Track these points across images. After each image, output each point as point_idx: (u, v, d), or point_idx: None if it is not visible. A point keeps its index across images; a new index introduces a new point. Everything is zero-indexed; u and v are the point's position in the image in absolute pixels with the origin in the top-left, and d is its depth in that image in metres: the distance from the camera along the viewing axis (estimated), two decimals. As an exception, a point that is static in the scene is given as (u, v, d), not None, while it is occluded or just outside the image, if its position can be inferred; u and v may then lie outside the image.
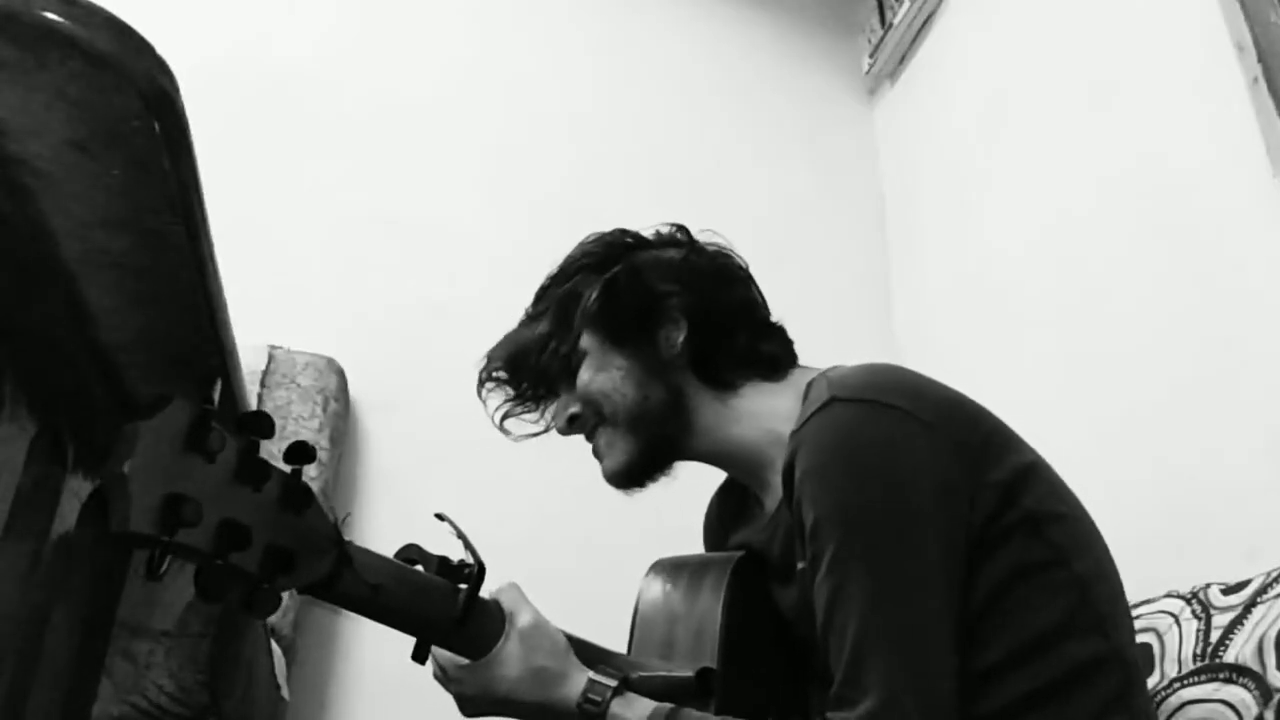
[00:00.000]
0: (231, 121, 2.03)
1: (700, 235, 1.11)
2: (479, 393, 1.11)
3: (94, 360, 0.81)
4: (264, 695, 1.43)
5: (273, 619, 1.61)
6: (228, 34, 2.22)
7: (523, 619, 0.88)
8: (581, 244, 1.10)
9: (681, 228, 1.11)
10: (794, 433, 0.89)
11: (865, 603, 0.81)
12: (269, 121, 2.19)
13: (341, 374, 1.99)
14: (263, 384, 1.85)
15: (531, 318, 1.10)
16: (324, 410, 1.89)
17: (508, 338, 1.10)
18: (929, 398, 0.91)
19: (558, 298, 1.07)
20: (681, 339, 1.03)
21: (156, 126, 0.60)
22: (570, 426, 1.07)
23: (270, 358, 1.90)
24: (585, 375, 1.04)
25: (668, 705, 0.84)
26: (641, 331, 1.03)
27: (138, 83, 0.58)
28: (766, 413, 1.00)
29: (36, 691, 0.80)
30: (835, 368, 0.99)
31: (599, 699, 0.84)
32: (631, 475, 1.05)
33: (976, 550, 0.84)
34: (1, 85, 0.57)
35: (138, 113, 0.59)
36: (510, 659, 0.86)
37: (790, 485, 0.88)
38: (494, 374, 1.10)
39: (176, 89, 0.61)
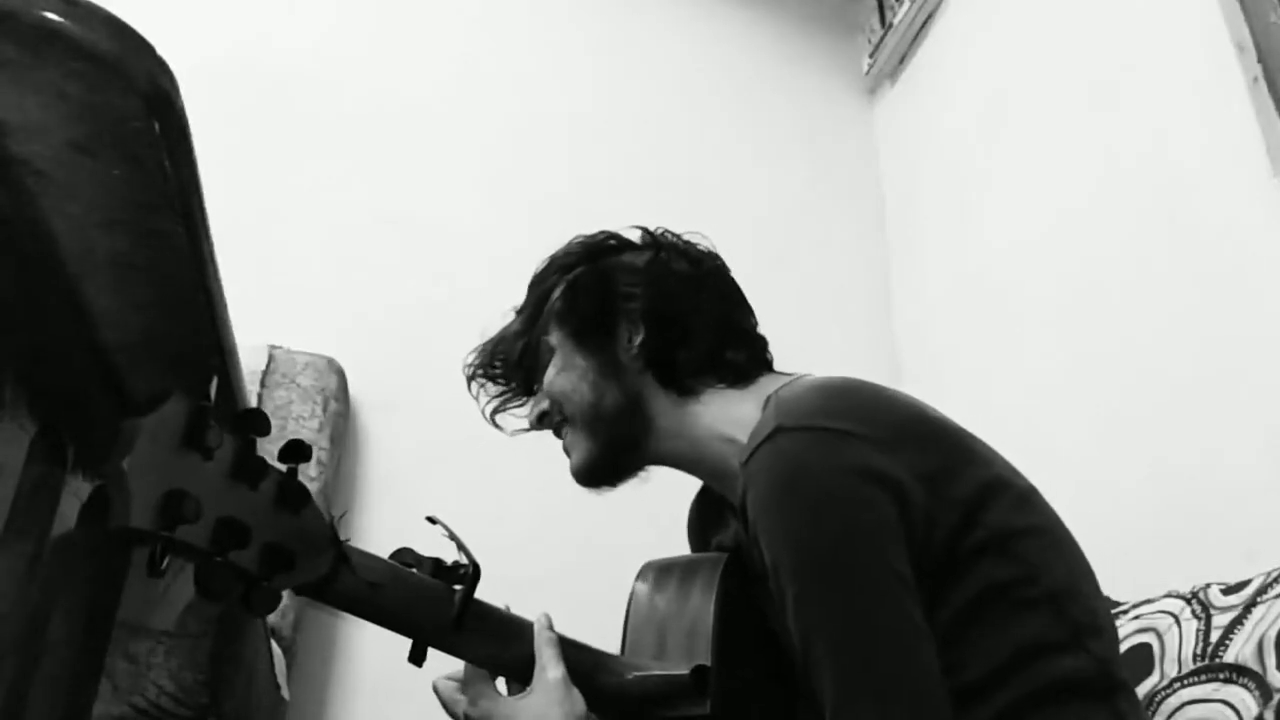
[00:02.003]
0: (232, 121, 2.03)
1: (693, 239, 1.11)
2: (469, 387, 1.13)
3: (94, 360, 0.81)
4: (264, 695, 1.43)
5: (273, 619, 1.61)
6: (228, 34, 2.22)
7: (551, 674, 0.87)
8: (567, 244, 1.12)
9: (649, 231, 1.11)
10: (743, 465, 0.87)
11: (836, 644, 0.80)
12: (269, 121, 2.19)
13: (341, 374, 1.99)
14: (263, 384, 1.85)
15: (516, 314, 1.12)
16: (324, 410, 1.89)
17: (493, 336, 1.13)
18: (882, 416, 0.88)
19: (535, 296, 1.10)
20: (639, 341, 1.02)
21: (156, 126, 0.60)
22: (540, 423, 1.07)
23: (270, 358, 1.90)
24: (550, 373, 1.05)
25: None
26: (601, 332, 1.04)
27: (138, 83, 0.58)
28: (726, 419, 0.99)
29: (36, 691, 0.80)
30: (792, 382, 0.97)
31: None
32: (595, 474, 1.05)
33: (944, 571, 0.83)
34: (1, 85, 0.57)
35: (138, 113, 0.59)
36: (524, 709, 0.86)
37: (746, 519, 0.87)
38: (478, 370, 1.13)
39: (176, 89, 0.61)
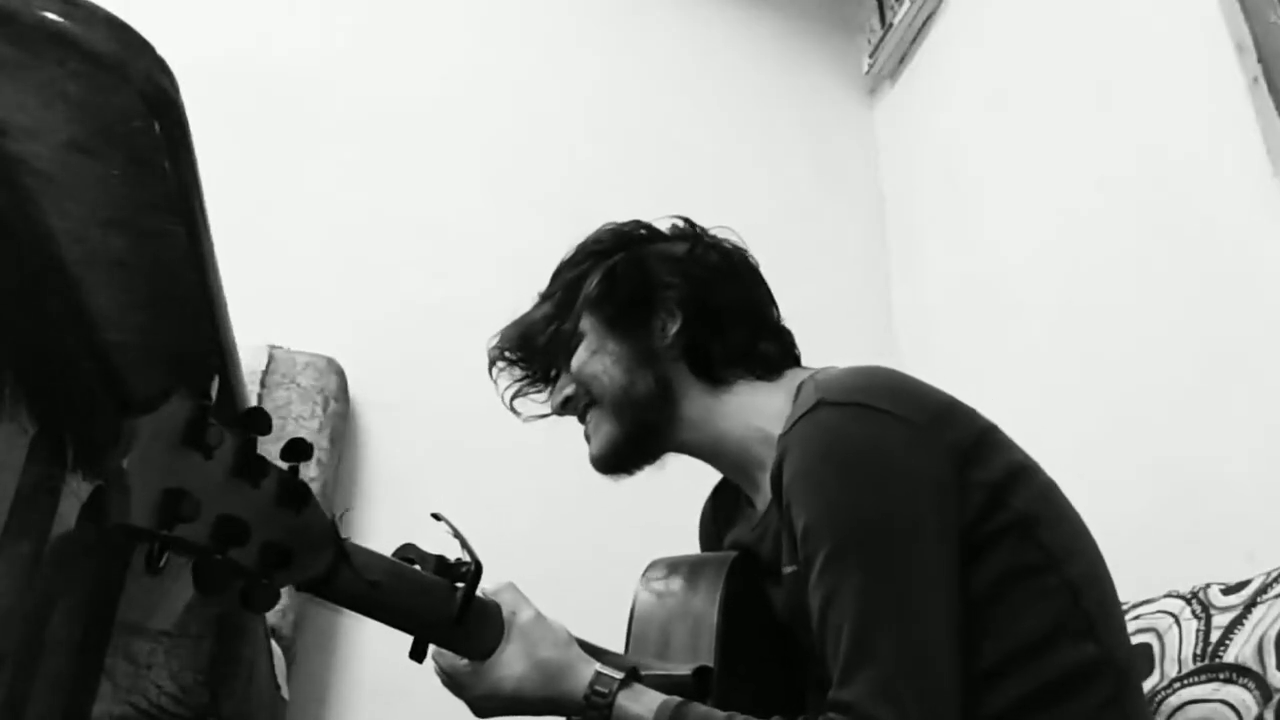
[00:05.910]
0: (232, 121, 2.03)
1: (717, 232, 1.12)
2: (490, 372, 1.13)
3: (94, 360, 0.81)
4: (264, 695, 1.43)
5: (273, 619, 1.61)
6: (228, 34, 2.22)
7: (523, 616, 0.88)
8: (596, 231, 1.12)
9: (689, 222, 1.12)
10: (782, 435, 0.89)
11: (858, 604, 0.80)
12: (269, 121, 2.19)
13: (341, 374, 1.99)
14: (263, 384, 1.85)
15: (541, 299, 1.12)
16: (324, 410, 1.89)
17: (518, 319, 1.12)
18: (917, 399, 0.91)
19: (565, 281, 1.09)
20: (675, 330, 1.03)
21: (156, 126, 0.60)
22: (564, 408, 1.08)
23: (270, 358, 1.90)
24: (580, 357, 1.05)
25: (675, 699, 0.84)
26: (637, 319, 1.04)
27: (138, 83, 0.58)
28: (756, 411, 1.00)
29: (36, 691, 0.80)
30: (826, 369, 0.99)
31: (606, 690, 0.84)
32: (615, 460, 1.05)
33: (966, 552, 0.84)
34: (1, 85, 0.57)
35: (138, 113, 0.59)
36: (514, 657, 0.86)
37: (779, 489, 0.88)
38: (503, 353, 1.12)
39: (176, 89, 0.61)
